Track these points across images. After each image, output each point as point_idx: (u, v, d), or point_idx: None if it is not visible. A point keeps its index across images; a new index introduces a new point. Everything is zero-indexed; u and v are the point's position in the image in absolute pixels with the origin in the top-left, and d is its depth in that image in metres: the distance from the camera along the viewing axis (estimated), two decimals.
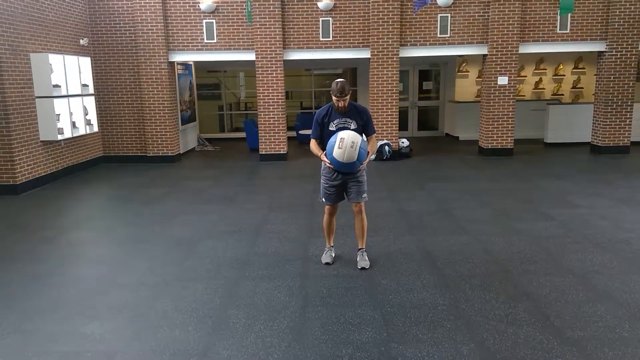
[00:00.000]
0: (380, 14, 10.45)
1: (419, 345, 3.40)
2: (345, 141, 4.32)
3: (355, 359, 3.26)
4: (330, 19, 10.60)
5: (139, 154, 11.09)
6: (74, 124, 9.24)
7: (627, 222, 6.08)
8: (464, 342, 3.44)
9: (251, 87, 15.16)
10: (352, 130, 4.55)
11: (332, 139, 4.44)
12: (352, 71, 15.01)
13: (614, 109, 10.92)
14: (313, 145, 4.76)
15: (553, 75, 15.16)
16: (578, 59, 14.82)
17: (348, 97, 4.54)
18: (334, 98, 4.55)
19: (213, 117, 15.44)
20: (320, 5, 10.43)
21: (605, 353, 3.28)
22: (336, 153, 4.34)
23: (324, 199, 4.82)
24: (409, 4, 10.48)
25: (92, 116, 9.97)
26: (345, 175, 4.63)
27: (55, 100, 8.67)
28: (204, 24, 10.59)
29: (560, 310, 3.87)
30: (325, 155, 4.51)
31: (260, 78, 10.71)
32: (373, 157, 10.60)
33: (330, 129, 4.61)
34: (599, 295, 4.13)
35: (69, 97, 9.05)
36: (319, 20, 10.62)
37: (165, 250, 5.48)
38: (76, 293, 4.41)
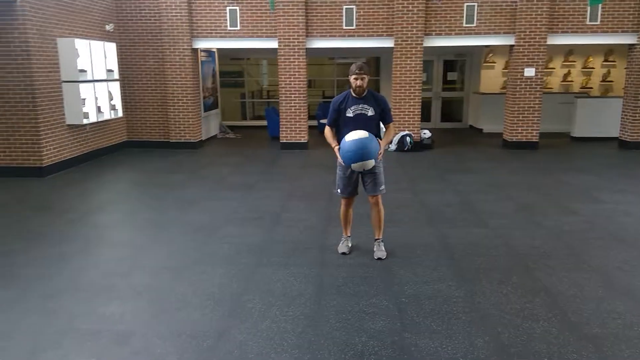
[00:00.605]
0: (405, 2, 10.32)
1: (432, 336, 3.40)
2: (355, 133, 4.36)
3: (369, 347, 3.27)
4: (354, 7, 10.52)
5: (162, 140, 11.23)
6: (99, 109, 9.40)
7: None
8: (479, 334, 3.42)
9: (273, 76, 15.17)
10: (369, 116, 4.52)
11: (344, 146, 4.42)
12: (375, 60, 14.89)
13: None
14: (327, 132, 4.71)
15: (582, 68, 14.80)
16: (608, 51, 14.43)
17: (366, 77, 4.49)
18: (352, 78, 4.49)
19: (235, 104, 15.52)
20: None
21: (622, 350, 3.23)
22: (349, 137, 4.36)
23: (339, 191, 4.82)
24: None
25: (117, 101, 10.13)
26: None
27: (81, 84, 8.83)
28: (228, 11, 10.61)
29: (579, 307, 3.81)
30: (340, 151, 4.47)
31: (282, 66, 10.71)
32: (394, 147, 10.55)
33: (348, 115, 4.55)
34: (619, 293, 4.05)
35: (94, 82, 9.20)
36: (342, 9, 10.54)
37: (186, 235, 5.56)
38: (98, 274, 4.52)
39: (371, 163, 4.38)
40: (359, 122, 4.50)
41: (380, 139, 4.59)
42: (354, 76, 4.47)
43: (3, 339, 3.45)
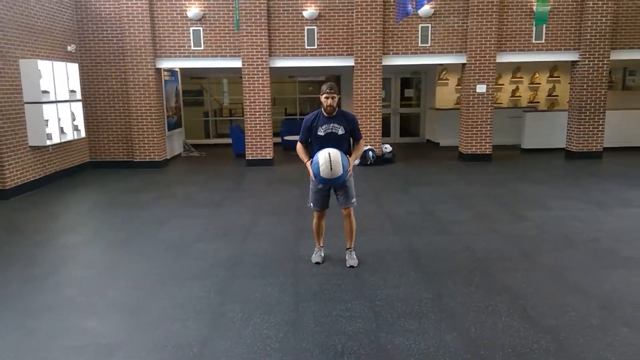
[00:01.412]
0: (364, 23, 10.77)
1: (406, 335, 3.66)
2: (325, 163, 4.54)
3: (348, 348, 3.49)
4: (315, 27, 10.88)
5: (126, 160, 11.17)
6: (62, 130, 9.33)
7: (598, 223, 6.44)
8: (448, 331, 3.70)
9: (235, 94, 15.34)
10: (340, 135, 4.78)
11: (315, 159, 4.63)
12: (336, 79, 15.30)
13: (587, 116, 11.39)
14: (299, 148, 4.95)
15: (529, 84, 15.68)
16: (553, 68, 15.36)
17: (337, 96, 4.73)
18: (322, 98, 4.72)
19: (198, 123, 15.57)
20: (306, 14, 10.71)
21: (576, 339, 3.57)
22: (324, 174, 4.57)
23: (312, 204, 5.04)
24: (392, 14, 10.83)
25: (80, 122, 10.06)
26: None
27: (44, 105, 8.76)
28: (191, 31, 10.77)
29: (536, 302, 4.16)
30: (312, 168, 4.69)
31: (247, 85, 10.92)
32: (357, 162, 10.89)
33: (319, 134, 4.79)
34: (571, 289, 4.44)
35: (57, 103, 9.14)
36: (304, 29, 10.88)
37: (158, 252, 5.64)
38: (74, 293, 4.55)
39: (339, 173, 4.57)
40: (330, 140, 4.74)
41: (350, 156, 4.86)
42: (324, 95, 4.70)
43: None
